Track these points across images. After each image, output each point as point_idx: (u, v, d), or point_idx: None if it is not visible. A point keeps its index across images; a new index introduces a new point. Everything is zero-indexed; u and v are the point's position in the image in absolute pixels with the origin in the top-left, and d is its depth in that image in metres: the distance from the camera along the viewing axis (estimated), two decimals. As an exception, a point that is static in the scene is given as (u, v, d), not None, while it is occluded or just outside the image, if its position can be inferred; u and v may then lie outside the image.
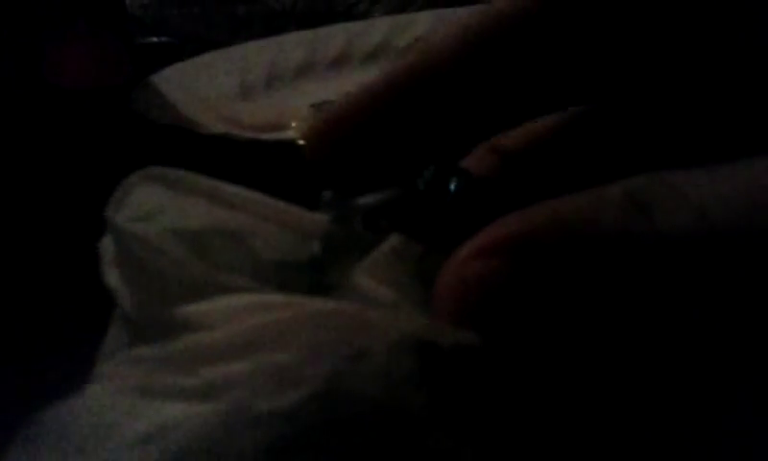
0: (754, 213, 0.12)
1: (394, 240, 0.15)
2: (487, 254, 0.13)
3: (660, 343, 0.13)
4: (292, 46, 0.58)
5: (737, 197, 0.13)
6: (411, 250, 0.15)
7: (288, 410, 0.12)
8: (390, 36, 0.60)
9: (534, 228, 0.13)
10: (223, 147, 0.31)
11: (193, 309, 0.14)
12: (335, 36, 0.60)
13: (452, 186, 0.16)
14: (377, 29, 0.61)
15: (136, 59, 0.46)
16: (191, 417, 0.12)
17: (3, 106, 0.37)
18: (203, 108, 0.43)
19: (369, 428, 0.13)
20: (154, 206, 0.15)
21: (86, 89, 0.40)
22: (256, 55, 0.56)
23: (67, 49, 0.39)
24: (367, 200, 0.16)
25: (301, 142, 0.34)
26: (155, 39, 0.68)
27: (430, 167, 0.17)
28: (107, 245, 0.15)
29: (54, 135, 0.38)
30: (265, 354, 0.13)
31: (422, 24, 0.61)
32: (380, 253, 0.15)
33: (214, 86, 0.50)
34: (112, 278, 0.15)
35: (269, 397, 0.12)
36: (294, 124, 0.43)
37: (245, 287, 0.14)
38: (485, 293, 0.13)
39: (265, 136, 0.34)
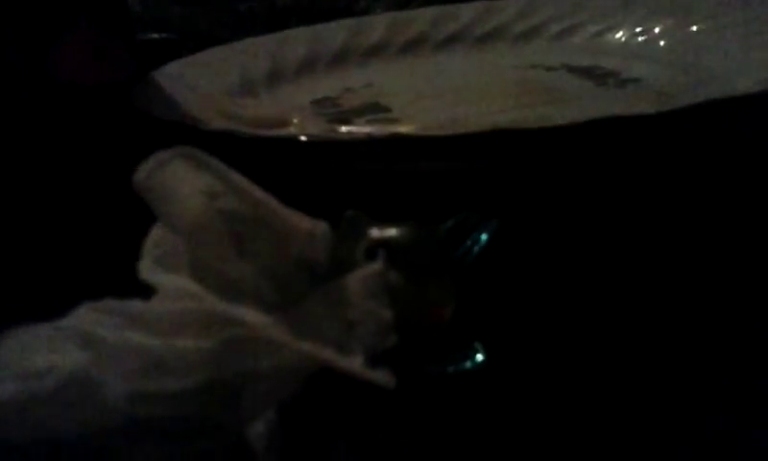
0: None
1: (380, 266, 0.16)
2: None
3: None
4: (293, 43, 0.58)
5: None
6: (396, 278, 0.16)
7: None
8: (390, 32, 0.60)
9: None
10: (224, 143, 0.31)
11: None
12: (336, 33, 0.60)
13: (468, 243, 0.16)
14: (378, 25, 0.61)
15: (138, 55, 0.46)
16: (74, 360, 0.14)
17: (8, 103, 0.37)
18: (204, 104, 0.43)
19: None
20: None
21: (88, 86, 0.40)
22: (258, 51, 0.56)
23: (69, 46, 0.39)
24: (378, 232, 0.17)
25: (303, 138, 0.34)
26: (156, 36, 0.69)
27: (458, 215, 0.17)
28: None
29: (56, 132, 0.38)
30: (173, 340, 0.14)
31: (423, 21, 0.61)
32: (364, 273, 0.16)
33: (215, 83, 0.50)
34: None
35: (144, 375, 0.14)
36: (295, 120, 0.43)
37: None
38: None
39: (266, 133, 0.34)
